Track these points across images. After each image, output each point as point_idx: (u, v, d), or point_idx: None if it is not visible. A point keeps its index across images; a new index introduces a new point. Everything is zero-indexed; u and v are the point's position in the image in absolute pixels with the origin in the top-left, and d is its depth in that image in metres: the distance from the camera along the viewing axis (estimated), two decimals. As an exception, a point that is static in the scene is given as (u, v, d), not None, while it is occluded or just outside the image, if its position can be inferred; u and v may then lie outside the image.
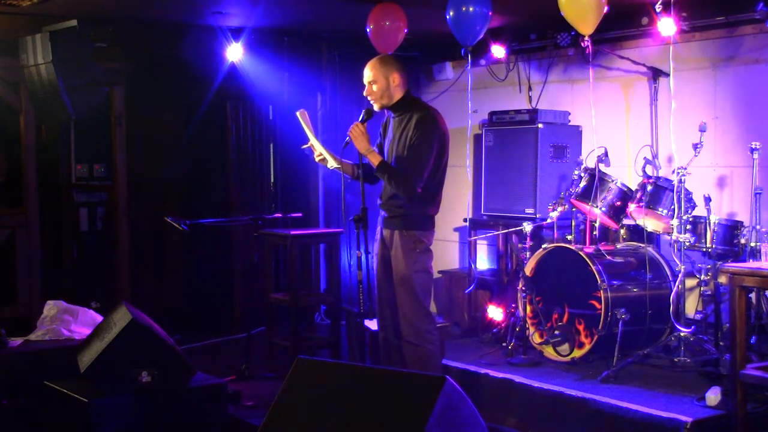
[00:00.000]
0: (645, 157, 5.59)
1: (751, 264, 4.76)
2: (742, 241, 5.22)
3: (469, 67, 6.32)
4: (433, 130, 4.75)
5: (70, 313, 5.48)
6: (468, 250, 7.03)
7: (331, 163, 4.88)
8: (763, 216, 5.32)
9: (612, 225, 5.84)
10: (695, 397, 4.68)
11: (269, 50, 7.41)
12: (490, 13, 5.74)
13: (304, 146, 4.96)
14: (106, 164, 7.55)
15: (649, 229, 5.61)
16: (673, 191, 5.28)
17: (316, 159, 4.94)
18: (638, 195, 5.52)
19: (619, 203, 5.68)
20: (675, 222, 5.25)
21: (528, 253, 5.82)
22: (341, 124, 7.65)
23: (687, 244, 5.23)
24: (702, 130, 5.26)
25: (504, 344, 5.80)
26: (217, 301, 7.76)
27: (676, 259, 5.30)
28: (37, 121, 6.94)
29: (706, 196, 5.33)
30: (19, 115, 6.91)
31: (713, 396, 4.56)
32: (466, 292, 6.75)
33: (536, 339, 5.68)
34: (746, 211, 5.58)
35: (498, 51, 7.00)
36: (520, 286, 5.72)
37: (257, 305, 7.02)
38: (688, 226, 5.27)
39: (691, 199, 5.33)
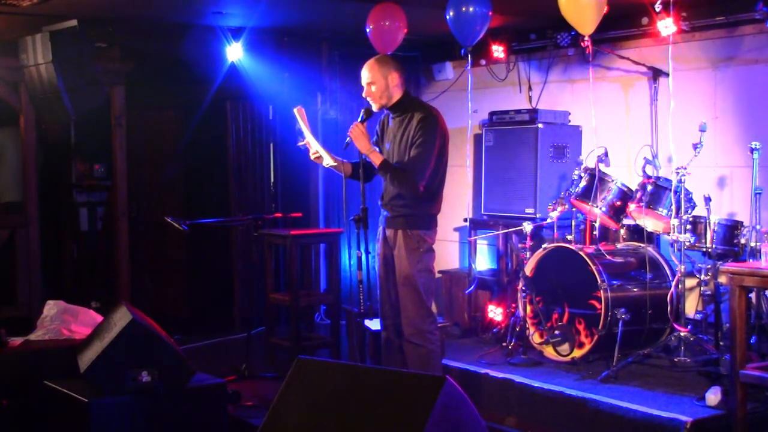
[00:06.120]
0: (645, 157, 5.59)
1: (751, 264, 4.75)
2: (742, 241, 5.21)
3: (469, 67, 6.32)
4: (434, 129, 4.75)
5: (70, 313, 5.46)
6: (468, 250, 7.03)
7: (327, 161, 4.86)
8: (763, 216, 5.32)
9: (612, 225, 5.84)
10: (695, 397, 4.68)
11: (269, 50, 7.40)
12: (490, 13, 5.75)
13: (300, 143, 4.95)
14: (106, 164, 7.55)
15: (649, 229, 5.61)
16: (672, 191, 5.28)
17: (312, 157, 4.92)
18: (638, 195, 5.52)
19: (619, 203, 5.68)
20: (675, 222, 5.25)
21: (528, 253, 5.82)
22: (341, 124, 7.65)
23: (687, 244, 5.23)
24: (702, 130, 5.25)
25: (504, 344, 5.80)
26: (217, 301, 7.76)
27: (675, 260, 5.30)
28: (37, 121, 6.94)
29: (706, 196, 5.32)
30: (19, 115, 6.90)
31: (713, 396, 4.56)
32: (466, 292, 6.75)
33: (536, 339, 5.68)
34: (746, 211, 5.57)
35: (498, 51, 7.00)
36: (520, 286, 5.71)
37: (257, 305, 7.02)
38: (688, 226, 5.27)
39: (691, 199, 5.33)
